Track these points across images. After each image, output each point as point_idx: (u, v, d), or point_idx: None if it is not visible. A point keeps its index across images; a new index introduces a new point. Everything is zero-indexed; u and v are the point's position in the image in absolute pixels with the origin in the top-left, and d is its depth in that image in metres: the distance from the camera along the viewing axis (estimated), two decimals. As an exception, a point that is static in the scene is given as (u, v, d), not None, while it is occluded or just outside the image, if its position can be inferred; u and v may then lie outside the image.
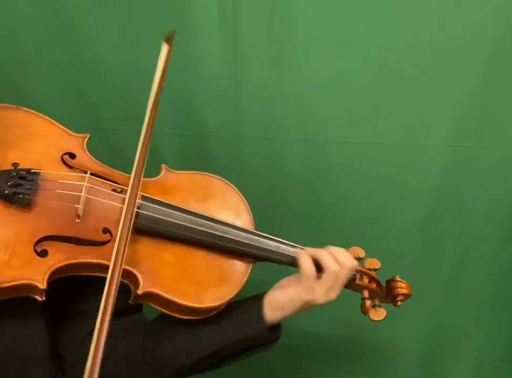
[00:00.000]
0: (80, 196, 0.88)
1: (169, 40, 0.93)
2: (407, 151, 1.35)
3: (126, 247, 0.83)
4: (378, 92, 1.31)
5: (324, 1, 1.27)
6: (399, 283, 1.05)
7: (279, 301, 0.95)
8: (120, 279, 0.81)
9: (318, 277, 0.94)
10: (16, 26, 1.37)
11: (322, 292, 0.94)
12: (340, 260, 0.95)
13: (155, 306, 0.93)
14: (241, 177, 1.42)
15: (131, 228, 0.85)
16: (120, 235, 0.83)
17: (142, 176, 0.88)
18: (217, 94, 1.37)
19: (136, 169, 0.87)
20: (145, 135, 0.90)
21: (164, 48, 0.93)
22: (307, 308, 0.96)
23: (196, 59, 1.34)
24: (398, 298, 1.04)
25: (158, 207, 0.92)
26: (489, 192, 1.35)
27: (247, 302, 0.97)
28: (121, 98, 1.40)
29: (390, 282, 1.06)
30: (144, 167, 0.89)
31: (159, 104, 1.40)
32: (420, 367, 1.49)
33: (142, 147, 0.89)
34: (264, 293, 0.98)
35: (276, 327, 0.98)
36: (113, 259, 0.82)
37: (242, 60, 1.33)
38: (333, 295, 0.95)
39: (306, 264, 0.94)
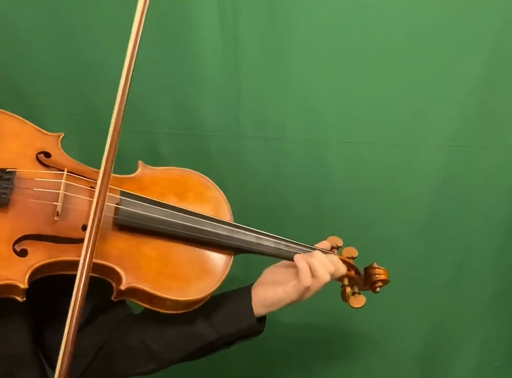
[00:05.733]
0: (58, 193, 0.87)
1: None
2: (407, 151, 1.35)
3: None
4: (378, 92, 1.31)
5: (324, 1, 1.27)
6: (377, 269, 1.07)
7: (269, 300, 0.97)
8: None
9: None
10: (16, 26, 1.37)
11: (311, 293, 0.97)
12: (329, 269, 0.98)
13: (138, 302, 0.93)
14: (241, 177, 1.42)
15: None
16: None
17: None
18: (217, 94, 1.37)
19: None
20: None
21: None
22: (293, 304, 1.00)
23: (196, 59, 1.34)
24: (377, 285, 1.06)
25: (138, 202, 0.92)
26: (489, 192, 1.35)
27: (236, 296, 1.00)
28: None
29: (368, 269, 1.08)
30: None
31: (158, 104, 1.42)
32: (420, 367, 1.49)
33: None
34: (250, 287, 1.00)
35: (262, 319, 1.01)
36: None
37: (242, 60, 1.33)
38: (317, 292, 0.99)
39: (305, 274, 0.96)
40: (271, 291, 0.98)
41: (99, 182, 0.84)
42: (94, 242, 0.82)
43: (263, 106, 1.36)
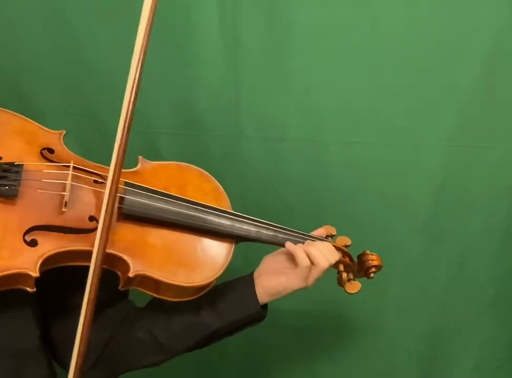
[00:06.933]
0: (66, 183, 0.89)
1: None
2: (407, 151, 1.35)
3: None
4: (378, 92, 1.32)
5: (324, 1, 1.27)
6: (369, 255, 1.11)
7: (274, 289, 1.00)
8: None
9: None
10: (16, 26, 1.37)
11: (313, 280, 1.00)
12: (327, 256, 1.00)
13: (145, 290, 0.95)
14: (241, 177, 1.43)
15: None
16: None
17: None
18: (217, 94, 1.37)
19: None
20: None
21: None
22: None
23: (196, 59, 1.34)
24: (371, 271, 1.09)
25: (142, 192, 0.95)
26: (489, 192, 1.35)
27: (239, 285, 1.02)
28: (121, 99, 1.40)
29: (361, 256, 1.11)
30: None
31: (158, 104, 1.41)
32: (420, 367, 1.50)
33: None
34: (251, 275, 1.03)
35: (265, 305, 1.03)
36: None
37: (242, 60, 1.34)
38: (318, 279, 1.01)
39: (301, 256, 0.98)
40: (275, 280, 1.00)
41: (110, 173, 0.86)
42: (106, 232, 0.84)
43: (263, 106, 1.37)
